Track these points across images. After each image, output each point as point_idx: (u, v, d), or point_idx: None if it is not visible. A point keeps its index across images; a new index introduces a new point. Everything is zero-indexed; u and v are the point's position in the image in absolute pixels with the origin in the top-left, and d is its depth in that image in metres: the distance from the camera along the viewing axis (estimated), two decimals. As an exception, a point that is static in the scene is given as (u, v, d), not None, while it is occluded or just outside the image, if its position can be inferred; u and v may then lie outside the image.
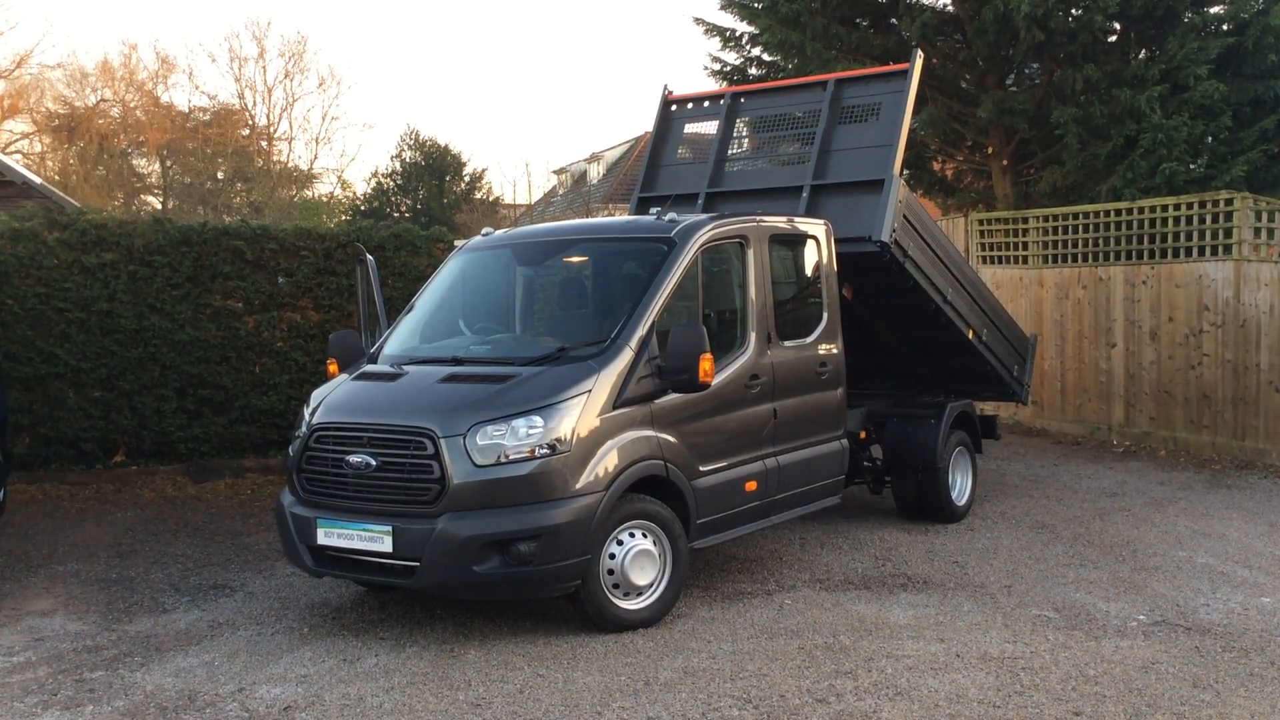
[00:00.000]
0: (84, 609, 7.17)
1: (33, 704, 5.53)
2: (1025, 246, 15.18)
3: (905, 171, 9.40)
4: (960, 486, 9.58)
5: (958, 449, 9.57)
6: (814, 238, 8.23)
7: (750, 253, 7.53)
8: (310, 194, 49.12)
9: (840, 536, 8.90)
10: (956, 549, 8.49)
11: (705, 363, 6.53)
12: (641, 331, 6.62)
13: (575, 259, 7.84)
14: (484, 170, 57.45)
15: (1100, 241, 14.11)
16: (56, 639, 6.55)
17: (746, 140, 10.00)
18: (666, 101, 10.26)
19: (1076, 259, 14.41)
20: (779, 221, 7.99)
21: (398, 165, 48.37)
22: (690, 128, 10.24)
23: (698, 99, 10.30)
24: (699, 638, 6.35)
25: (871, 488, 9.80)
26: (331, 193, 50.50)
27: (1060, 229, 14.65)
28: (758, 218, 7.79)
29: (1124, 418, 13.62)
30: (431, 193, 46.55)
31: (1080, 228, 14.37)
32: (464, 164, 48.78)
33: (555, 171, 50.56)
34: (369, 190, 48.66)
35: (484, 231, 8.21)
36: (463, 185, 48.49)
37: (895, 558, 8.24)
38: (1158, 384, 13.17)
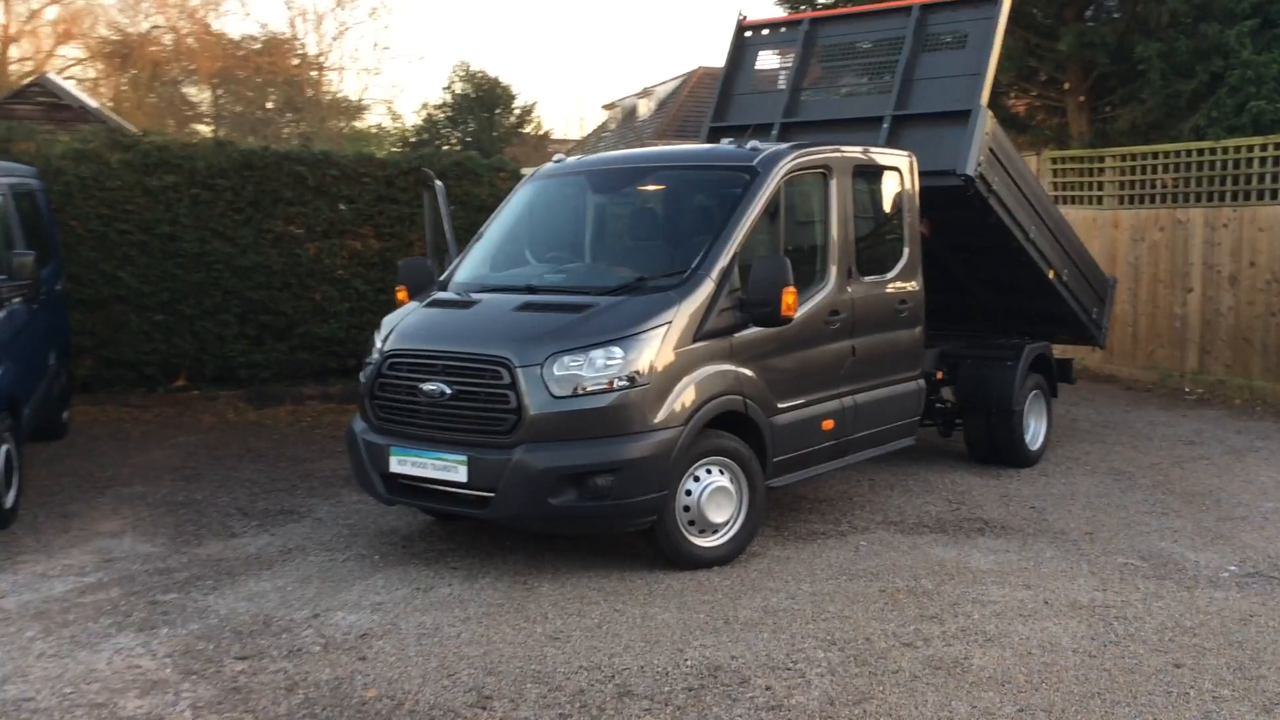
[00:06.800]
0: (153, 531, 7.15)
1: (107, 625, 5.49)
2: (1100, 186, 14.70)
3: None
4: (1034, 431, 9.32)
5: (1033, 392, 9.29)
6: (897, 170, 7.92)
7: (833, 184, 7.25)
8: (360, 125, 48.97)
9: (910, 479, 8.70)
10: (1032, 494, 8.27)
11: (789, 296, 6.30)
12: (723, 263, 6.39)
13: (652, 187, 7.60)
14: (534, 104, 56.85)
15: (1180, 182, 13.61)
16: (127, 560, 6.53)
17: (825, 68, 9.64)
18: (741, 27, 9.92)
19: (1154, 200, 13.92)
20: (861, 153, 7.69)
21: (448, 97, 48.03)
22: (765, 55, 9.89)
23: (774, 24, 9.96)
24: (776, 577, 6.21)
25: (941, 430, 9.57)
26: (381, 124, 50.33)
27: (1138, 169, 14.15)
28: (841, 148, 7.50)
29: (1198, 365, 13.22)
30: (481, 126, 46.26)
31: (1159, 168, 13.87)
32: (514, 97, 48.36)
33: (605, 106, 49.87)
34: (419, 122, 48.43)
35: (556, 158, 7.98)
36: (512, 118, 48.11)
37: (969, 501, 8.04)
38: (1235, 331, 12.75)
